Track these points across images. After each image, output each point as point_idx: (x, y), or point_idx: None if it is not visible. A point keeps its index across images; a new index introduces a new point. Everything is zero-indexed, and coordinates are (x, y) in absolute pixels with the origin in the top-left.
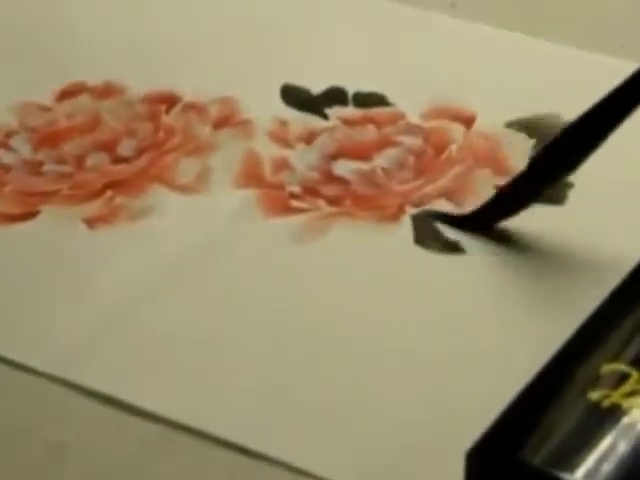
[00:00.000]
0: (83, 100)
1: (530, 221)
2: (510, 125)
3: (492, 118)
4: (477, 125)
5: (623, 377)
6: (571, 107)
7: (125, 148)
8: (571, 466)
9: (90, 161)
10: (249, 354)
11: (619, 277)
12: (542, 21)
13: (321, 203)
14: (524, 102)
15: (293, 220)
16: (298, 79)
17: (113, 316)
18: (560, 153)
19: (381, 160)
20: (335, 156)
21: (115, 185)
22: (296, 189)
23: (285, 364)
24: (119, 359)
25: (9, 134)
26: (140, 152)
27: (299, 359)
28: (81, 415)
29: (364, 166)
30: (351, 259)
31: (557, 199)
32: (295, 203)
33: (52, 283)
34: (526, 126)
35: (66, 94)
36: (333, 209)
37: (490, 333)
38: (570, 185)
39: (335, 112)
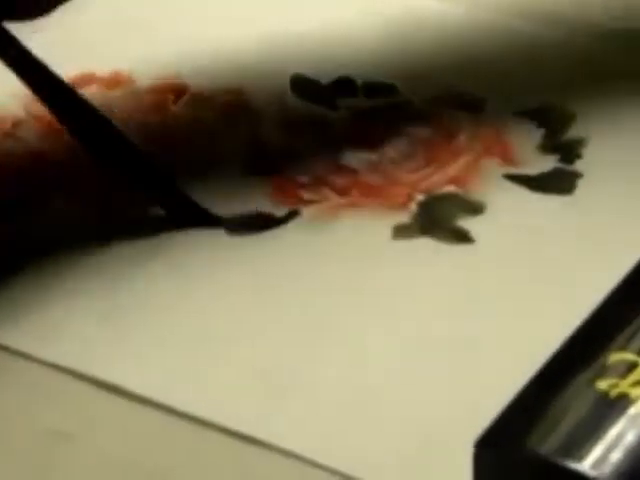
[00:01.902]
0: (90, 91)
1: (539, 210)
2: (519, 114)
3: (501, 107)
4: (485, 114)
5: (631, 366)
6: (580, 97)
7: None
8: (579, 455)
9: None
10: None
11: (628, 266)
12: (552, 11)
13: (329, 193)
14: (534, 91)
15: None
16: (307, 70)
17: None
18: None
19: (389, 150)
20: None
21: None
22: (305, 180)
23: (292, 353)
24: (124, 347)
25: (17, 123)
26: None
27: (307, 350)
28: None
29: (372, 156)
30: (359, 249)
31: (566, 189)
32: (304, 193)
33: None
34: (535, 115)
35: (73, 84)
36: (341, 200)
37: (500, 322)
38: (579, 175)
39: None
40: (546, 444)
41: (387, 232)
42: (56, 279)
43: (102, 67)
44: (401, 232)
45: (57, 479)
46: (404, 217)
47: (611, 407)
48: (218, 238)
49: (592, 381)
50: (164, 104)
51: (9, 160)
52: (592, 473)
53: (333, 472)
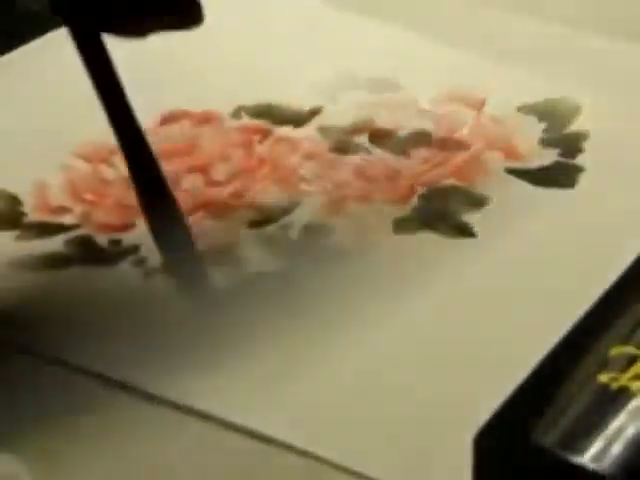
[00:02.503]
0: (183, 126)
1: (542, 204)
2: (521, 109)
3: (503, 102)
4: (488, 109)
5: (632, 360)
6: (582, 92)
7: (219, 172)
8: (580, 448)
9: (185, 182)
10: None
11: (629, 260)
12: (557, 5)
13: (331, 186)
14: (535, 86)
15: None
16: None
17: None
18: None
19: (392, 143)
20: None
21: (206, 206)
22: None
23: (303, 351)
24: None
25: (112, 152)
26: (232, 177)
27: (316, 348)
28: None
29: (376, 149)
30: (360, 241)
31: (567, 182)
32: (304, 186)
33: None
34: (537, 110)
35: (168, 119)
36: (344, 192)
37: (500, 316)
38: (581, 169)
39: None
40: (548, 437)
41: (389, 225)
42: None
43: (194, 105)
44: (402, 225)
45: None
46: (406, 210)
47: (612, 400)
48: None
49: (594, 374)
50: (250, 143)
51: (103, 185)
52: (593, 466)
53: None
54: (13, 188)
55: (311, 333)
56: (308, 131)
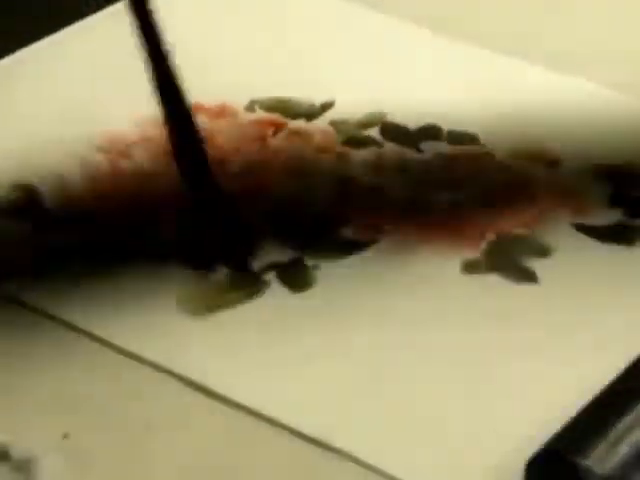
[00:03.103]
0: (199, 119)
1: (602, 258)
2: (591, 171)
3: (576, 163)
4: (561, 168)
5: None
6: None
7: (233, 165)
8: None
9: None
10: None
11: None
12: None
13: (409, 227)
14: (605, 151)
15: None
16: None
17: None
18: None
19: (468, 192)
20: (425, 185)
21: None
22: (386, 212)
23: (350, 365)
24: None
25: (130, 145)
26: (247, 169)
27: (374, 371)
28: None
29: (451, 196)
30: (430, 280)
31: (628, 240)
32: (385, 225)
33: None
34: (607, 172)
35: None
36: (419, 232)
37: (555, 357)
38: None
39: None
40: (599, 467)
41: (457, 266)
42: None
43: (210, 99)
44: (471, 267)
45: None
46: (475, 253)
47: None
48: None
49: None
50: (263, 136)
51: (120, 176)
52: None
53: None
54: (31, 179)
55: (373, 364)
56: (320, 124)
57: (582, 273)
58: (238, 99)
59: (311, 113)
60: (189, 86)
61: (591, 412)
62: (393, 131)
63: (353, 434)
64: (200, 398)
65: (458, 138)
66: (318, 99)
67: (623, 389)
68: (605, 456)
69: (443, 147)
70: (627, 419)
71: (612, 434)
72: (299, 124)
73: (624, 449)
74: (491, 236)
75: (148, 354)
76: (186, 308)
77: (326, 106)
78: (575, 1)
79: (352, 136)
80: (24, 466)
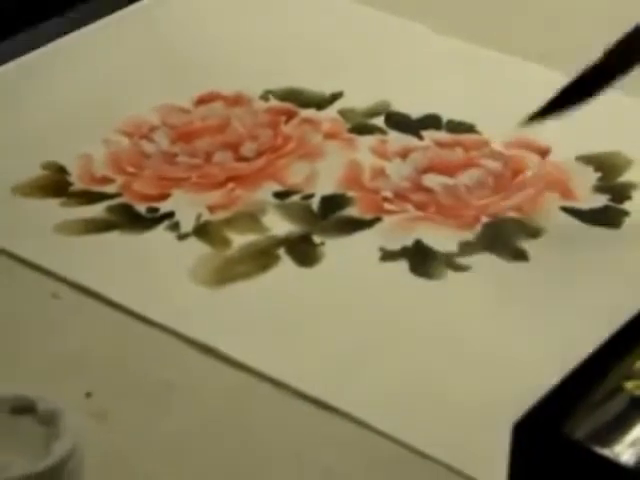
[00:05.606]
0: (217, 106)
1: (588, 239)
2: (580, 159)
3: (565, 151)
4: (551, 156)
5: None
6: (633, 146)
7: (247, 149)
8: (609, 443)
9: (217, 157)
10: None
11: None
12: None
13: (409, 207)
14: (594, 140)
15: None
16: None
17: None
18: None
19: (464, 177)
20: (425, 170)
21: (236, 179)
22: (389, 194)
23: (364, 340)
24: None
25: (152, 129)
26: (260, 154)
27: (377, 337)
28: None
29: (449, 181)
30: (429, 256)
31: (614, 224)
32: (387, 205)
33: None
34: (593, 161)
35: (203, 100)
36: (419, 213)
37: (542, 326)
38: (627, 213)
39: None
40: (580, 431)
41: (454, 246)
42: None
43: (227, 87)
44: (466, 247)
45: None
46: (470, 235)
47: (636, 404)
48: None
49: (621, 381)
50: (276, 123)
51: (142, 159)
52: (622, 459)
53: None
54: (60, 159)
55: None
56: (330, 113)
57: (569, 253)
58: (253, 88)
59: (321, 102)
60: (208, 76)
61: (574, 379)
62: (397, 120)
63: (356, 396)
64: (214, 362)
65: (456, 127)
66: (328, 90)
67: (605, 357)
68: (586, 420)
69: (442, 135)
70: (607, 386)
71: (593, 400)
72: (310, 112)
73: (604, 415)
74: (485, 219)
75: (169, 323)
76: (203, 280)
77: (335, 96)
78: (575, 1)
79: (359, 123)
80: (49, 420)
